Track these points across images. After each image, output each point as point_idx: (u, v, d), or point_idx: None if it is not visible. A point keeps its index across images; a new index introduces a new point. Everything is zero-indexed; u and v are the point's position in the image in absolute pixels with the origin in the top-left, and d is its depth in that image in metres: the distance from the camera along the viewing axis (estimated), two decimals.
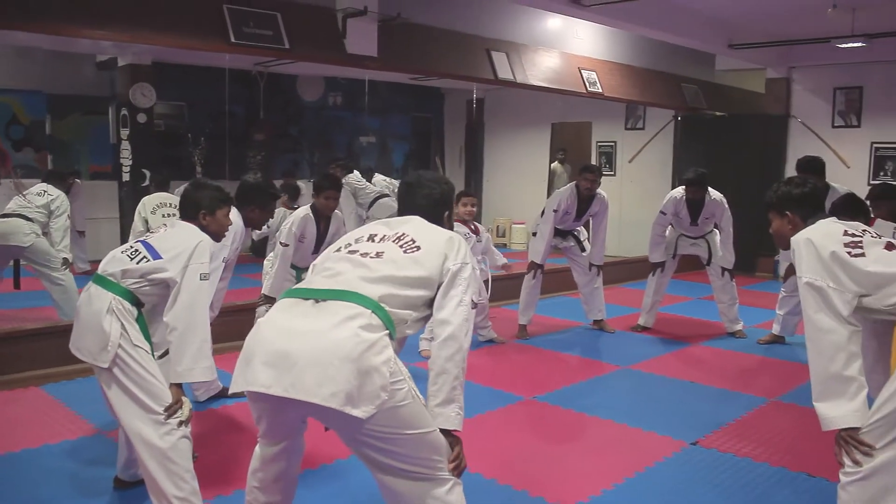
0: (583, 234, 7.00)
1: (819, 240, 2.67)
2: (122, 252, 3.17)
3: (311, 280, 2.41)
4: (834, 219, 2.86)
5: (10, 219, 6.21)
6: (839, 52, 9.29)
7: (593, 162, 11.68)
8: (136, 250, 3.13)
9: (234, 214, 3.95)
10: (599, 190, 6.68)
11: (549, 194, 11.89)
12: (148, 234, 3.33)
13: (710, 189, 6.61)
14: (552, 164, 13.06)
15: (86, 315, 3.06)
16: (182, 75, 10.86)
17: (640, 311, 7.17)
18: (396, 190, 8.52)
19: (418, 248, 2.41)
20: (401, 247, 2.41)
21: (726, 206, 6.66)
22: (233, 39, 6.01)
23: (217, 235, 3.43)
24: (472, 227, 6.06)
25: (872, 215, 4.70)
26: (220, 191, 3.45)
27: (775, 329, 6.61)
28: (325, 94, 12.93)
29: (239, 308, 5.96)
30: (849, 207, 4.23)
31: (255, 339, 2.28)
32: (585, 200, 6.63)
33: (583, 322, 7.20)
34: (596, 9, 7.37)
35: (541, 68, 8.77)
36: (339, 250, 2.49)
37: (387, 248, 2.41)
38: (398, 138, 13.54)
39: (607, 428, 4.48)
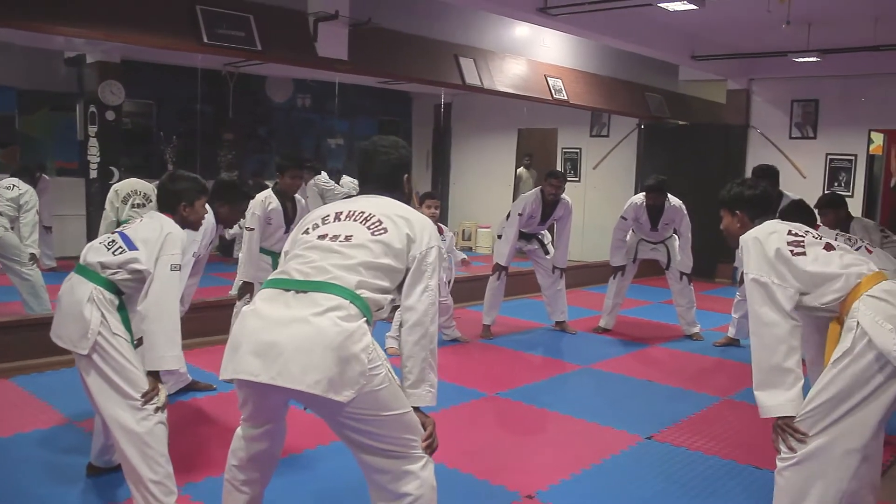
0: (546, 237, 7.18)
1: (765, 238, 2.86)
2: (100, 243, 3.28)
3: (288, 269, 2.48)
4: (779, 220, 3.05)
5: None
6: (796, 66, 9.60)
7: (558, 168, 11.89)
8: (114, 241, 3.24)
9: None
10: (564, 195, 6.87)
11: (514, 199, 12.08)
12: (125, 224, 3.43)
13: (669, 195, 6.83)
14: (518, 170, 13.25)
15: (67, 304, 3.17)
16: (150, 74, 10.86)
17: (602, 313, 7.37)
18: None
19: (385, 230, 2.48)
20: (368, 228, 2.49)
21: (685, 212, 6.90)
22: (205, 40, 6.09)
23: (196, 225, 3.55)
24: (437, 228, 6.20)
25: (819, 222, 4.93)
26: (197, 181, 3.54)
27: (731, 332, 6.84)
28: (294, 95, 13.01)
29: (208, 305, 6.06)
30: (794, 213, 4.45)
31: (241, 330, 2.39)
32: (550, 205, 6.82)
33: (545, 323, 7.37)
34: (563, 18, 7.57)
35: (508, 75, 8.95)
36: (306, 232, 2.56)
37: (354, 231, 2.48)
38: (366, 141, 13.65)
39: (567, 423, 4.65)
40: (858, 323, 2.67)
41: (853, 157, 10.11)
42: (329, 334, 2.26)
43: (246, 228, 5.29)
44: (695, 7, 6.61)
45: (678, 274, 7.04)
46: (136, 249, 3.17)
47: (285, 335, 2.29)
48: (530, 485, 3.65)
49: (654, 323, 7.83)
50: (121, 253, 3.18)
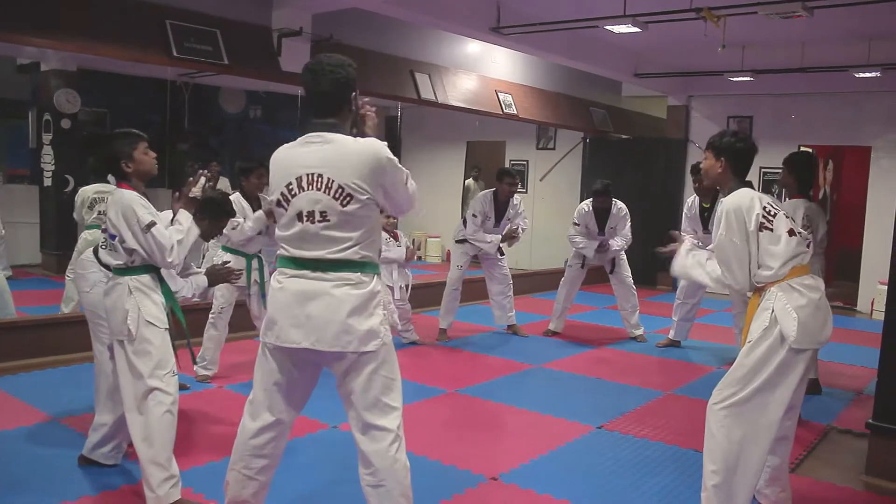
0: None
1: (747, 208, 3.20)
2: (102, 248, 3.61)
3: (298, 252, 2.73)
4: (754, 190, 3.36)
5: None
6: (732, 84, 10.18)
7: None
8: (105, 240, 3.58)
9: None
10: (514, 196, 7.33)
11: (462, 209, 12.45)
12: (103, 218, 3.68)
13: (615, 200, 7.28)
14: (466, 181, 13.63)
15: (110, 301, 3.47)
16: (105, 82, 10.93)
17: (551, 317, 7.76)
18: None
19: (350, 196, 2.66)
20: (334, 198, 2.67)
21: (628, 216, 7.43)
22: (175, 54, 6.32)
23: (149, 174, 3.61)
24: (394, 234, 6.52)
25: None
26: (126, 134, 3.59)
27: (671, 334, 7.29)
28: (247, 106, 13.18)
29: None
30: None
31: (275, 305, 2.76)
32: (503, 205, 7.22)
33: (498, 327, 7.73)
34: (514, 37, 7.97)
35: (461, 90, 9.32)
36: (280, 205, 2.75)
37: (326, 205, 2.67)
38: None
39: (524, 415, 5.01)
40: (773, 307, 3.11)
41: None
42: (349, 302, 2.67)
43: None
44: (638, 30, 7.05)
45: (622, 278, 7.47)
46: (115, 236, 3.45)
47: (314, 308, 2.67)
48: (494, 468, 3.99)
49: (600, 326, 8.25)
50: (114, 245, 3.48)
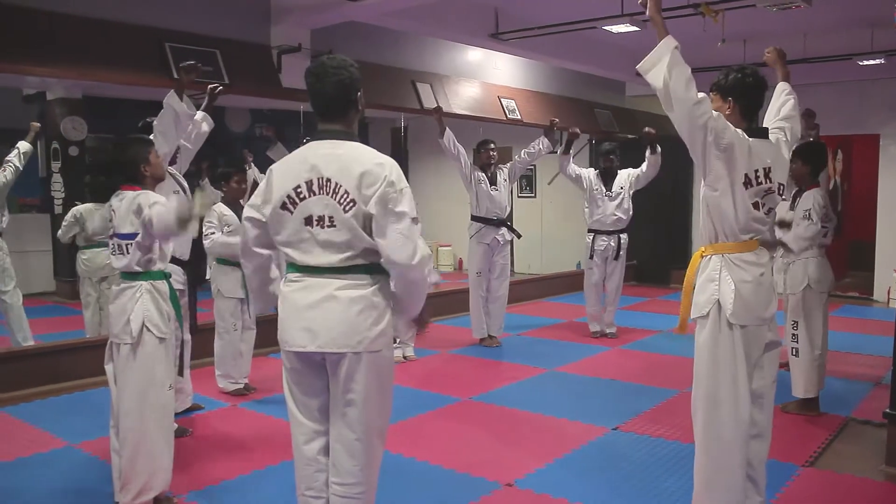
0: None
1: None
2: (112, 254, 3.57)
3: (304, 257, 2.71)
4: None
5: None
6: None
7: (514, 184, 12.29)
8: (116, 245, 3.52)
9: None
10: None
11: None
12: (109, 225, 3.58)
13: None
14: None
15: (116, 306, 3.49)
16: (111, 108, 11.00)
17: (589, 321, 7.79)
18: None
19: (353, 202, 2.64)
20: (339, 203, 2.65)
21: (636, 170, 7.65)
22: (175, 76, 6.35)
23: (160, 178, 3.73)
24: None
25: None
26: (140, 139, 3.73)
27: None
28: (252, 125, 13.23)
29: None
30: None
31: (284, 310, 2.77)
32: (488, 169, 7.39)
33: (510, 333, 7.69)
34: (514, 42, 7.98)
35: (463, 98, 9.33)
36: (285, 208, 2.69)
37: (332, 210, 2.65)
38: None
39: (538, 420, 4.98)
40: (717, 282, 3.06)
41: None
42: (354, 307, 2.67)
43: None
44: (636, 29, 7.03)
45: (616, 269, 7.59)
46: (126, 231, 3.45)
47: (321, 313, 2.67)
48: (508, 475, 3.97)
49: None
50: (128, 246, 3.46)
